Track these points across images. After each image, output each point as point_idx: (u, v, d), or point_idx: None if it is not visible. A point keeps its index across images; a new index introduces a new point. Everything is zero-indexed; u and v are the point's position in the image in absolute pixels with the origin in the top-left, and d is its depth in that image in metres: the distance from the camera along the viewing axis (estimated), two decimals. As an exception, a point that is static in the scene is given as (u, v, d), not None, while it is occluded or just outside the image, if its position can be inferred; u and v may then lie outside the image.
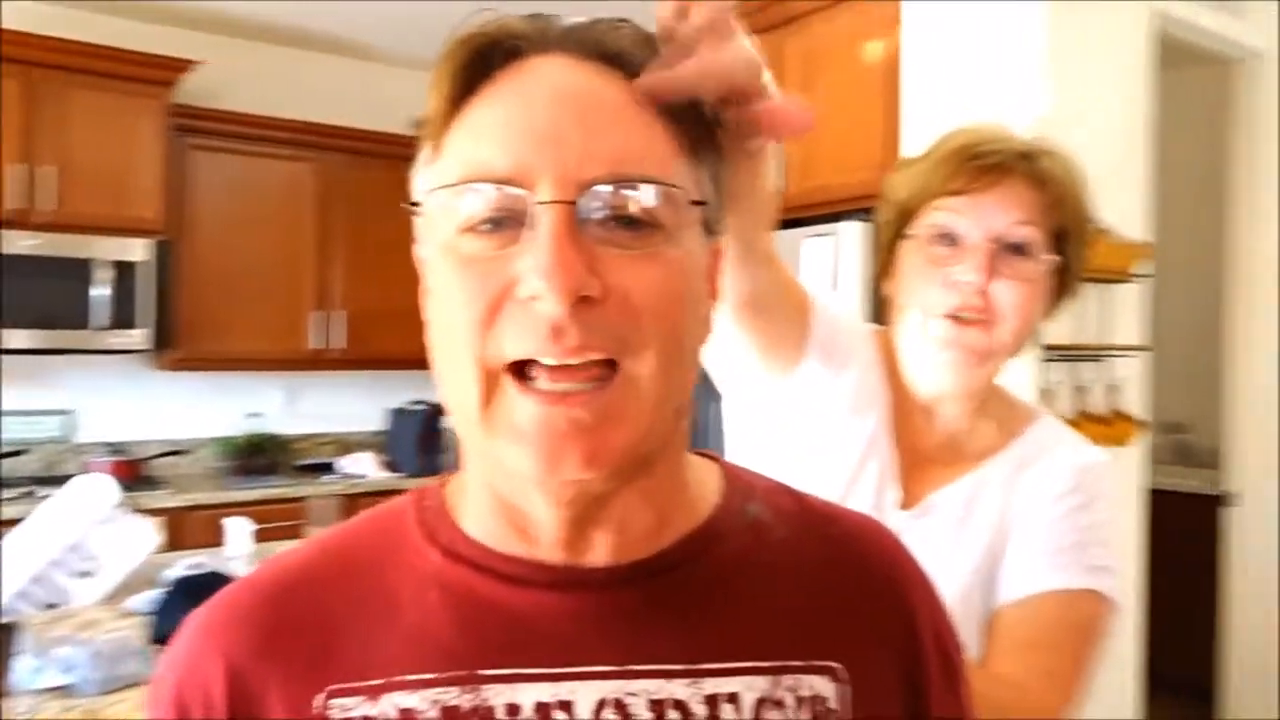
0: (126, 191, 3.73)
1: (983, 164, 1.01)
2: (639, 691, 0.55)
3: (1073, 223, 1.04)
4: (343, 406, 4.68)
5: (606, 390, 0.51)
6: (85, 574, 2.12)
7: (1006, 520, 1.05)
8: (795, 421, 1.12)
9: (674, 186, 0.53)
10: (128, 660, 1.65)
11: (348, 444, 4.63)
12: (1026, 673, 0.97)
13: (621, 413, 0.51)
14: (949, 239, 1.03)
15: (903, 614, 0.62)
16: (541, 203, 0.50)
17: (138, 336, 3.76)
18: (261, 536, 2.44)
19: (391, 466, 4.30)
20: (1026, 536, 1.03)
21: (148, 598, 2.02)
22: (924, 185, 1.05)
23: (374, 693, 0.55)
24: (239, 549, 2.32)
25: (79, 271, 3.62)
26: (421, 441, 4.31)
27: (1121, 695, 2.81)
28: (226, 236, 4.04)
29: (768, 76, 0.61)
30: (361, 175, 4.34)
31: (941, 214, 1.03)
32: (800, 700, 0.56)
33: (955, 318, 1.02)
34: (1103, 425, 2.65)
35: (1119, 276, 2.71)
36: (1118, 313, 2.77)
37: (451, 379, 0.54)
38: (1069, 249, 1.04)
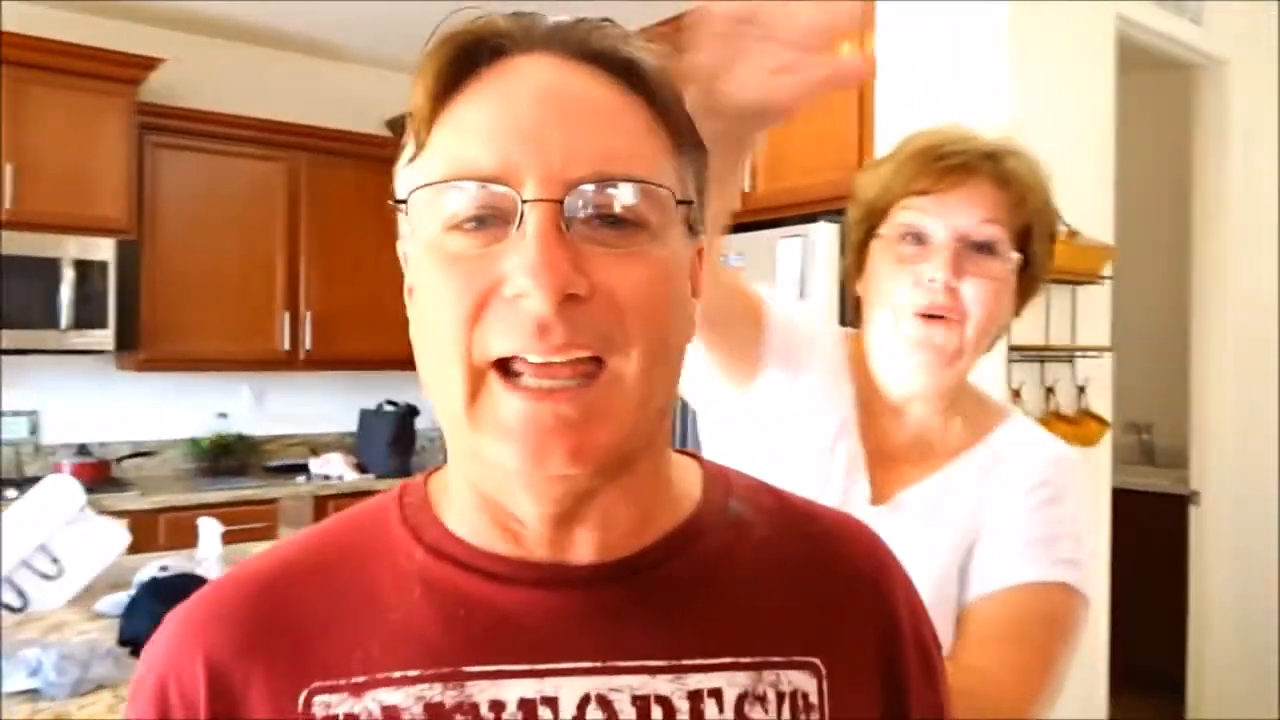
0: (91, 190, 3.68)
1: (948, 164, 1.03)
2: (622, 687, 0.55)
3: (1037, 221, 1.06)
4: (312, 407, 4.65)
5: (592, 387, 0.51)
6: (51, 576, 2.09)
7: (977, 516, 1.06)
8: (763, 428, 1.13)
9: (659, 186, 0.53)
10: (97, 663, 1.63)
11: (317, 445, 4.60)
12: (996, 665, 0.97)
13: (606, 409, 0.52)
14: (916, 238, 1.04)
15: (882, 610, 0.63)
16: (528, 201, 0.50)
17: (103, 337, 3.72)
18: (231, 538, 2.42)
19: (362, 468, 4.27)
20: (997, 531, 1.04)
21: (116, 600, 2.00)
22: (890, 185, 1.06)
23: (357, 690, 0.55)
24: (209, 550, 2.30)
25: (43, 271, 3.57)
26: (393, 442, 4.29)
27: (1090, 691, 2.85)
28: (193, 236, 4.00)
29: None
30: (330, 175, 4.31)
31: (908, 214, 1.05)
32: (781, 695, 0.57)
33: (924, 316, 1.03)
34: (1070, 425, 2.69)
35: (1085, 278, 2.75)
36: (1084, 314, 2.81)
37: (436, 376, 0.54)
38: (1034, 247, 1.06)
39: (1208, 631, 3.66)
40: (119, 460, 4.07)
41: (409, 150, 0.56)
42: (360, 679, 0.55)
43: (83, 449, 3.95)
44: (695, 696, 0.55)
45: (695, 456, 0.67)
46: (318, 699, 0.55)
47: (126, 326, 3.78)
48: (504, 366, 0.51)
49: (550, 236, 0.50)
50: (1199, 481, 3.68)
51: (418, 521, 0.60)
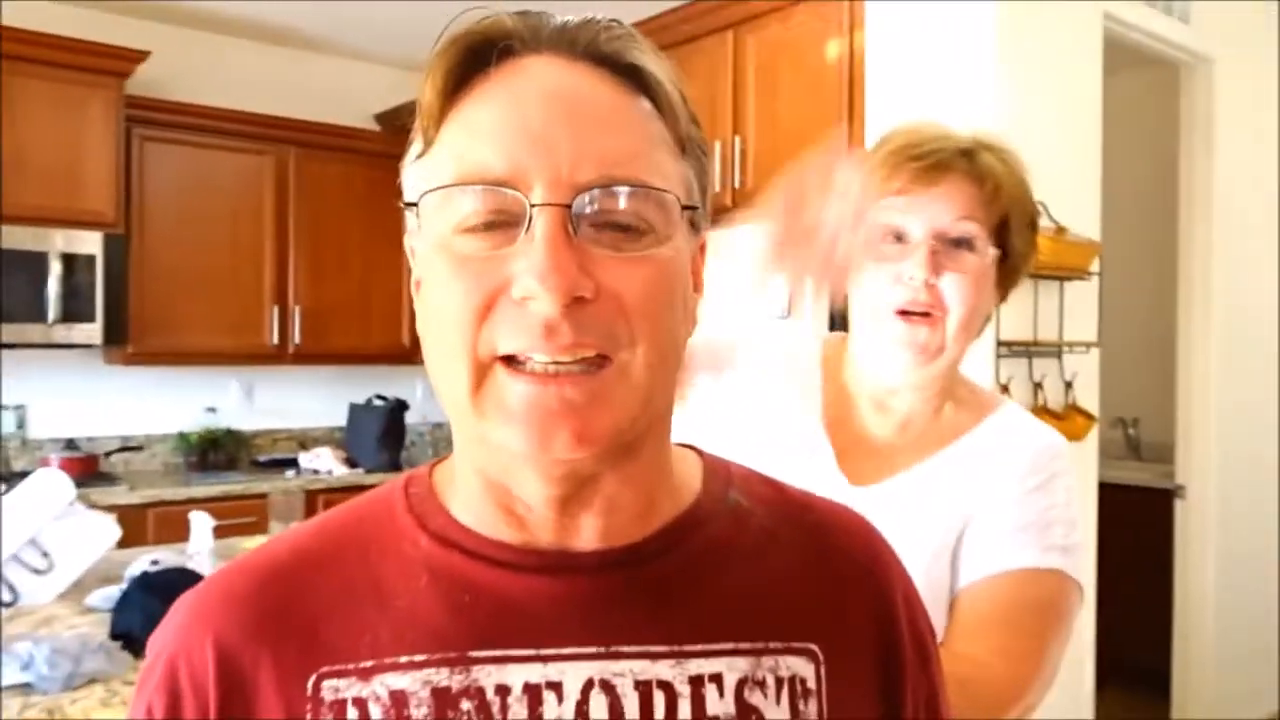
0: (78, 184, 3.67)
1: (922, 163, 1.05)
2: (625, 672, 0.56)
3: (1015, 214, 1.07)
4: (301, 402, 4.64)
5: (598, 375, 0.52)
6: (42, 571, 2.08)
7: (969, 503, 1.07)
8: (706, 428, 1.15)
9: (665, 191, 0.54)
10: (89, 657, 1.63)
11: (306, 440, 4.59)
12: (989, 652, 0.98)
13: (610, 396, 0.53)
14: (894, 237, 1.06)
15: (878, 598, 0.64)
16: (536, 206, 0.51)
17: (90, 331, 3.70)
18: (220, 533, 2.41)
19: (351, 462, 4.27)
20: (989, 518, 1.06)
21: (107, 594, 1.99)
22: (870, 184, 1.08)
23: (365, 674, 0.55)
24: (201, 545, 2.29)
25: (30, 265, 3.55)
26: (382, 437, 4.28)
27: (1076, 685, 2.87)
28: (181, 230, 3.98)
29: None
30: (319, 169, 4.30)
31: (886, 213, 1.07)
32: (780, 681, 0.58)
33: (905, 313, 1.06)
34: (1057, 420, 2.71)
35: (1073, 274, 2.77)
36: (1071, 310, 2.84)
37: (443, 368, 0.55)
38: (1012, 240, 1.08)
39: (1193, 625, 3.69)
40: (107, 455, 4.05)
41: (416, 147, 0.57)
42: (368, 664, 0.56)
43: (70, 443, 3.93)
44: (696, 681, 0.57)
45: (695, 449, 0.68)
46: (326, 683, 0.55)
47: (114, 320, 3.76)
48: (509, 359, 0.53)
49: (558, 240, 0.51)
50: (1185, 476, 3.71)
51: (423, 510, 0.61)
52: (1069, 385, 2.83)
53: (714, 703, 0.56)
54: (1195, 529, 3.68)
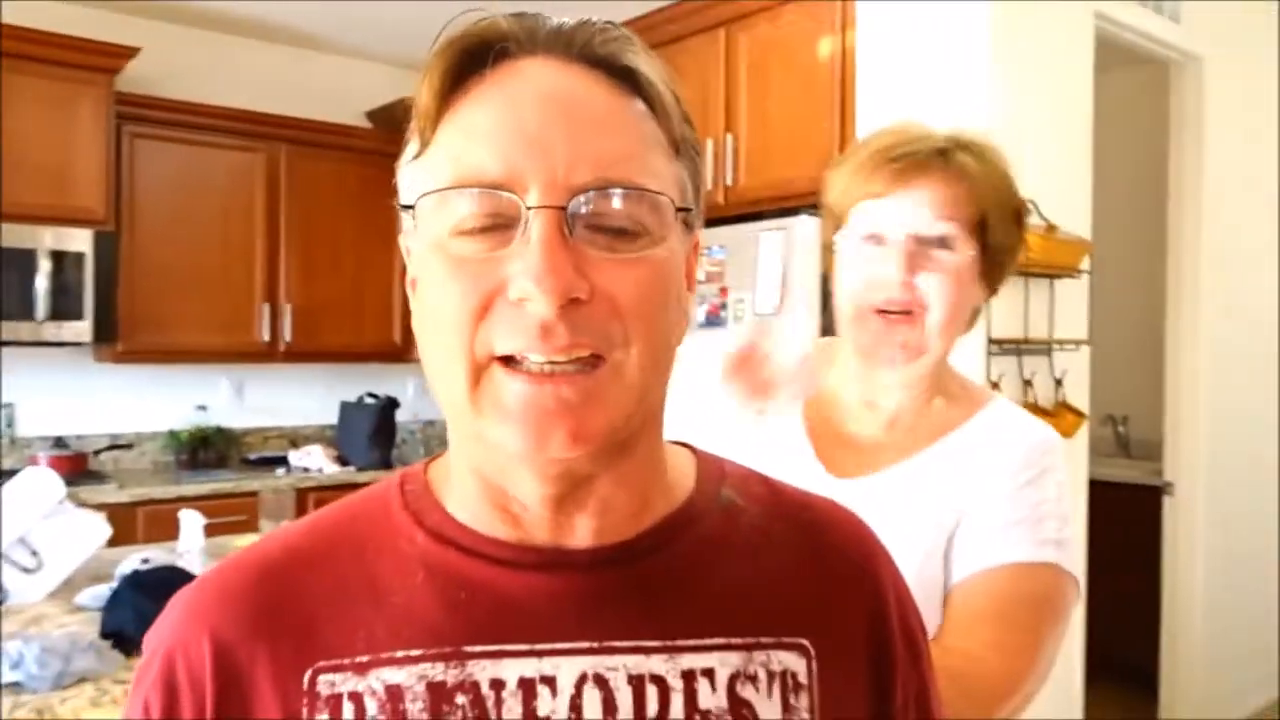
0: (68, 181, 3.64)
1: (899, 165, 1.07)
2: (618, 667, 0.57)
3: (993, 211, 1.08)
4: (291, 400, 4.63)
5: (592, 374, 0.53)
6: (31, 569, 2.07)
7: (960, 498, 1.07)
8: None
9: (659, 194, 0.55)
10: (79, 656, 1.62)
11: (297, 438, 4.58)
12: (984, 646, 0.99)
13: (605, 395, 0.53)
14: (874, 238, 1.08)
15: (869, 595, 0.65)
16: (532, 208, 0.52)
17: (80, 328, 3.68)
18: (210, 531, 2.41)
19: (342, 460, 4.26)
20: (981, 513, 1.06)
21: (96, 593, 1.99)
22: (848, 188, 1.11)
23: (361, 669, 0.56)
24: (191, 543, 2.29)
25: (19, 262, 3.53)
26: (374, 435, 4.27)
27: (1066, 680, 2.88)
28: (171, 227, 3.97)
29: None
30: (310, 166, 4.29)
31: (865, 215, 1.09)
32: (772, 675, 0.59)
33: (884, 312, 1.08)
34: (1048, 417, 2.71)
35: (1063, 272, 2.78)
36: (1062, 307, 2.85)
37: (440, 367, 0.56)
38: (993, 236, 1.09)
39: (1181, 622, 3.71)
40: (96, 453, 4.03)
41: (413, 147, 0.57)
42: (364, 659, 0.56)
43: (59, 441, 3.91)
44: (689, 676, 0.57)
45: (690, 447, 0.69)
46: (322, 678, 0.56)
47: (104, 318, 3.74)
48: (506, 358, 0.53)
49: (554, 242, 0.51)
50: (1174, 473, 3.73)
51: (419, 507, 0.62)
52: (1059, 383, 2.84)
53: (706, 697, 0.57)
54: (1184, 526, 3.70)
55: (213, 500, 3.61)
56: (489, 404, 0.54)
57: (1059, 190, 2.80)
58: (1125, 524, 3.82)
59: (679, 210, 0.57)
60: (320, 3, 4.01)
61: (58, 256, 3.61)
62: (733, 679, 0.58)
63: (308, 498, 3.83)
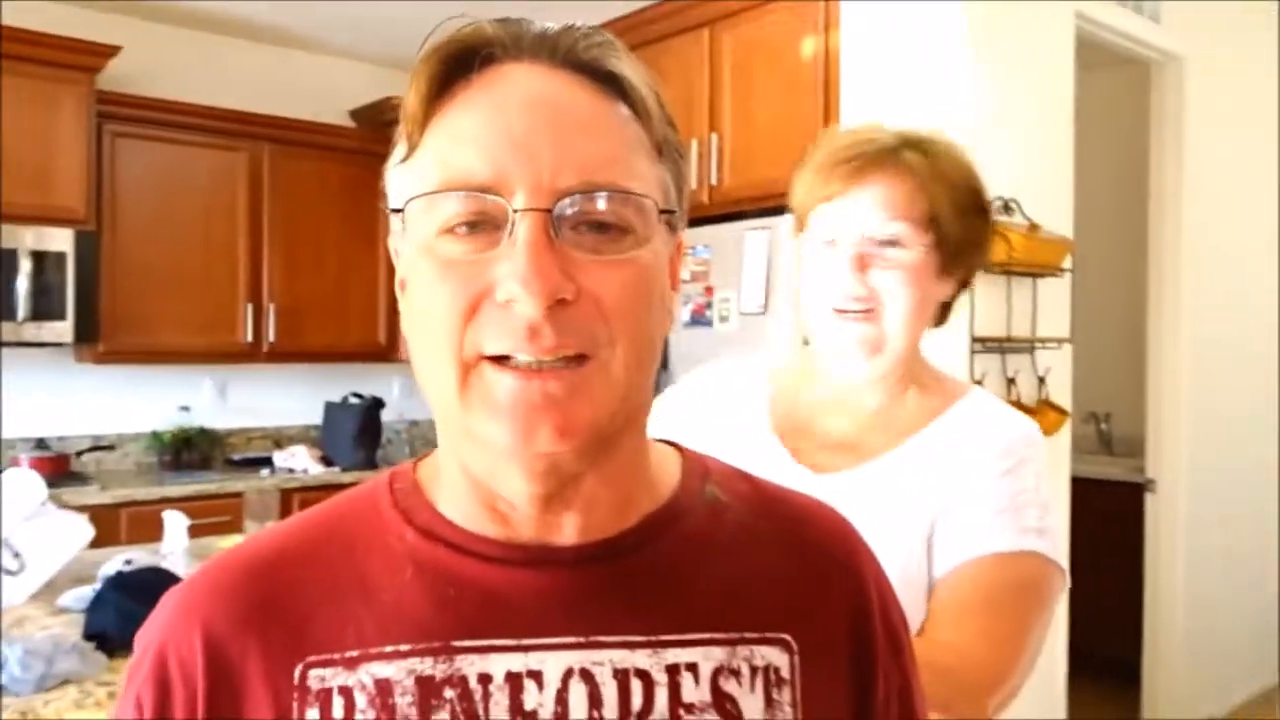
0: (48, 180, 3.62)
1: (848, 167, 1.10)
2: (604, 661, 0.58)
3: (944, 205, 1.10)
4: (275, 400, 4.61)
5: (579, 370, 0.54)
6: (13, 571, 2.06)
7: (940, 490, 1.08)
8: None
9: (643, 196, 0.56)
10: (62, 658, 1.61)
11: (281, 438, 4.56)
12: (971, 637, 1.00)
13: (590, 390, 0.55)
14: (830, 241, 1.12)
15: (851, 590, 0.66)
16: (519, 211, 0.53)
17: (61, 329, 3.65)
18: (194, 532, 2.40)
19: (327, 461, 4.24)
20: (962, 504, 1.07)
21: (79, 594, 1.98)
22: (806, 191, 1.15)
23: (351, 664, 0.57)
24: (175, 544, 2.28)
25: (-1, 262, 3.51)
26: (359, 435, 4.26)
27: (1049, 674, 2.91)
28: (153, 227, 3.94)
29: None
30: (293, 165, 4.27)
31: (820, 219, 1.13)
32: (755, 669, 0.60)
33: (842, 312, 1.11)
34: (1031, 414, 2.73)
35: (1046, 270, 2.80)
36: (1044, 306, 2.87)
37: (429, 367, 0.57)
38: (948, 229, 1.10)
39: (1163, 617, 3.74)
40: (78, 454, 4.01)
41: (400, 150, 0.58)
42: (353, 653, 0.57)
43: (41, 443, 3.88)
44: (673, 670, 0.58)
45: (675, 445, 0.70)
46: (312, 672, 0.57)
47: (85, 318, 3.72)
48: (494, 357, 0.54)
49: (540, 244, 0.52)
50: (1155, 470, 3.76)
51: (409, 505, 0.62)
52: (1042, 380, 2.86)
53: (690, 691, 0.58)
54: (1165, 522, 3.73)
55: (196, 501, 3.60)
56: (477, 400, 0.54)
57: (1041, 189, 2.82)
58: (1108, 521, 3.85)
59: (662, 212, 0.58)
60: (303, 2, 4.00)
61: (38, 256, 3.58)
62: (716, 673, 0.59)
63: (292, 498, 3.82)
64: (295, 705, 0.56)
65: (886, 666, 0.66)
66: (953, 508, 1.07)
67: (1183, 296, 3.71)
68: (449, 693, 0.56)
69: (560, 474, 0.57)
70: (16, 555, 2.08)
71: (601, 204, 0.54)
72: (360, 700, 0.56)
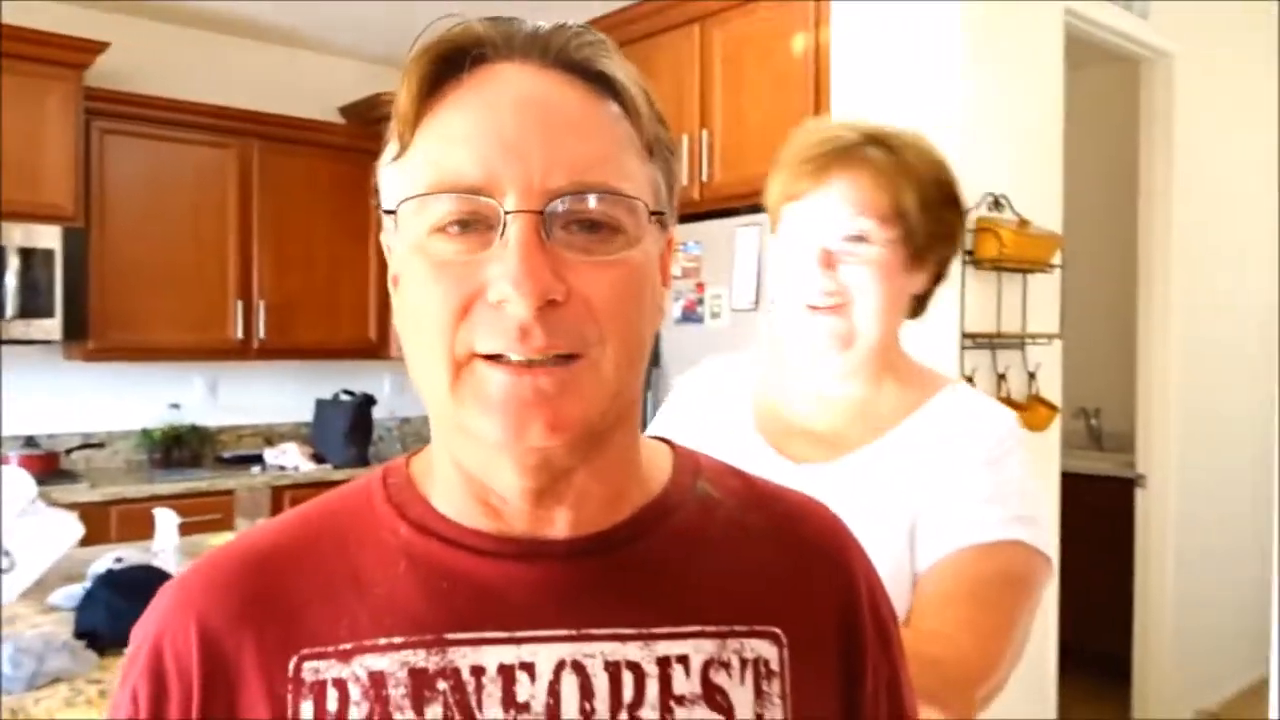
0: (36, 177, 3.60)
1: (813, 165, 1.12)
2: (595, 654, 0.58)
3: (909, 199, 1.11)
4: (266, 397, 4.59)
5: (570, 367, 0.55)
6: (3, 570, 2.05)
7: (921, 482, 1.09)
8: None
9: (634, 199, 0.57)
10: (52, 656, 1.61)
11: (272, 435, 4.55)
12: (958, 628, 1.00)
13: (581, 387, 0.55)
14: (799, 238, 1.13)
15: (841, 585, 0.67)
16: (510, 212, 0.53)
17: (50, 326, 3.64)
18: (185, 530, 2.39)
19: (318, 458, 4.23)
20: (944, 497, 1.08)
21: (70, 592, 1.97)
22: (777, 190, 1.17)
23: (345, 656, 0.58)
24: (166, 542, 2.27)
25: (-13, 259, 3.49)
26: (350, 432, 4.25)
27: (1039, 669, 2.92)
28: (143, 224, 3.93)
29: None
30: (283, 162, 4.26)
31: (789, 218, 1.15)
32: (745, 662, 0.61)
33: (813, 308, 1.13)
34: (1021, 410, 2.74)
35: (1036, 266, 2.81)
36: (1035, 302, 2.87)
37: (422, 363, 0.57)
38: (914, 223, 1.12)
39: (1153, 611, 3.76)
40: (68, 452, 3.99)
41: (392, 149, 0.59)
42: (347, 646, 0.58)
43: (30, 441, 3.87)
44: (664, 662, 0.59)
45: (668, 442, 0.71)
46: (307, 665, 0.58)
47: (74, 316, 3.70)
48: (486, 355, 0.55)
49: (531, 246, 0.53)
50: (1145, 465, 3.78)
51: (402, 500, 0.63)
52: (1032, 376, 2.86)
53: (681, 682, 0.59)
54: (1156, 517, 3.75)
55: (187, 499, 3.59)
56: (470, 395, 0.55)
57: (1031, 186, 2.83)
58: (1098, 516, 3.87)
59: (653, 214, 0.58)
60: (293, -3, 3.98)
61: (26, 253, 3.56)
62: (706, 665, 0.60)
63: (283, 496, 3.82)
64: (290, 697, 0.57)
65: (876, 660, 0.67)
66: (936, 500, 1.07)
67: (1172, 292, 3.72)
68: (442, 684, 0.57)
69: (552, 468, 0.57)
70: (6, 553, 2.07)
71: (592, 205, 0.55)
72: (354, 692, 0.57)
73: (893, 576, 1.02)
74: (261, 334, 4.23)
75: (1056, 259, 2.88)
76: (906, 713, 0.70)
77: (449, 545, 0.60)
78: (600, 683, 0.58)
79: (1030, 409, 2.79)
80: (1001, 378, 2.77)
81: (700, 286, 3.19)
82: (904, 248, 1.12)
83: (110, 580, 1.91)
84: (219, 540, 2.45)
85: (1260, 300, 4.07)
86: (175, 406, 4.26)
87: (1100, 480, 4.05)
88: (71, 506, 2.80)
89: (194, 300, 4.06)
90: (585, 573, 0.60)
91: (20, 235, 3.55)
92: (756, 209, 2.97)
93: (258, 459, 4.21)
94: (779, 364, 1.25)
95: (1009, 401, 2.74)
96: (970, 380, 2.65)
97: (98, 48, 3.69)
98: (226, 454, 4.35)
